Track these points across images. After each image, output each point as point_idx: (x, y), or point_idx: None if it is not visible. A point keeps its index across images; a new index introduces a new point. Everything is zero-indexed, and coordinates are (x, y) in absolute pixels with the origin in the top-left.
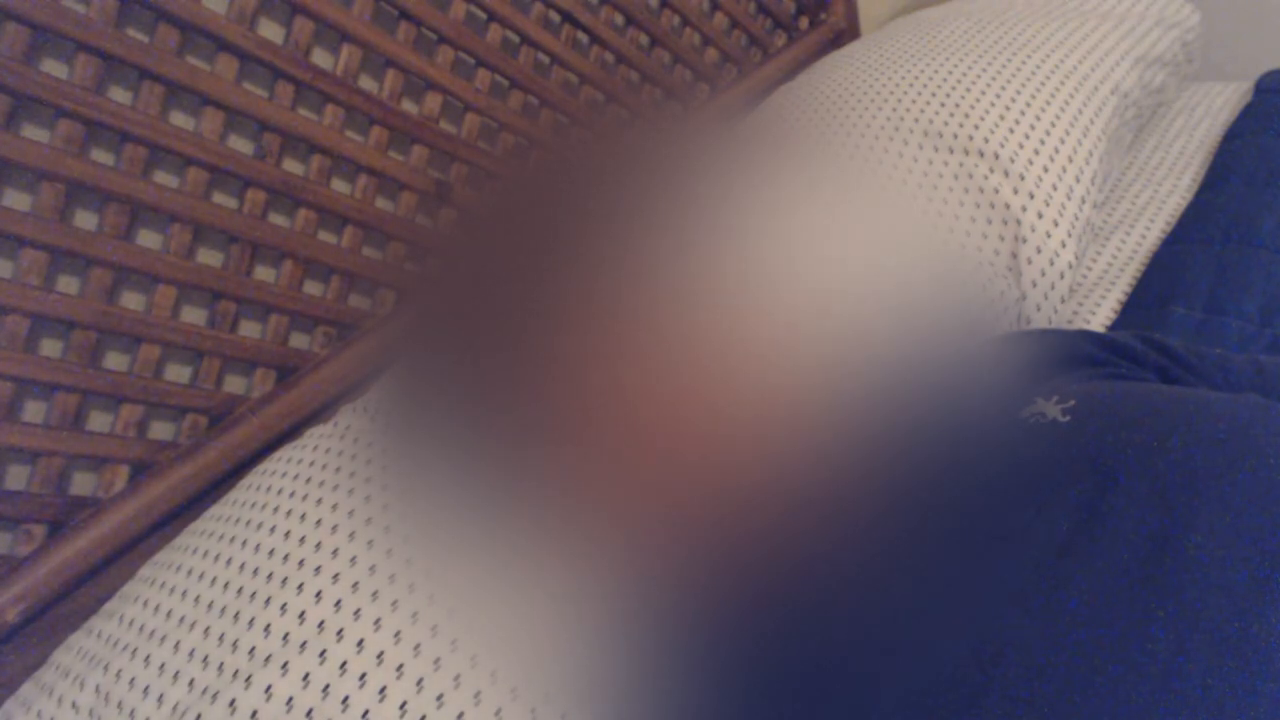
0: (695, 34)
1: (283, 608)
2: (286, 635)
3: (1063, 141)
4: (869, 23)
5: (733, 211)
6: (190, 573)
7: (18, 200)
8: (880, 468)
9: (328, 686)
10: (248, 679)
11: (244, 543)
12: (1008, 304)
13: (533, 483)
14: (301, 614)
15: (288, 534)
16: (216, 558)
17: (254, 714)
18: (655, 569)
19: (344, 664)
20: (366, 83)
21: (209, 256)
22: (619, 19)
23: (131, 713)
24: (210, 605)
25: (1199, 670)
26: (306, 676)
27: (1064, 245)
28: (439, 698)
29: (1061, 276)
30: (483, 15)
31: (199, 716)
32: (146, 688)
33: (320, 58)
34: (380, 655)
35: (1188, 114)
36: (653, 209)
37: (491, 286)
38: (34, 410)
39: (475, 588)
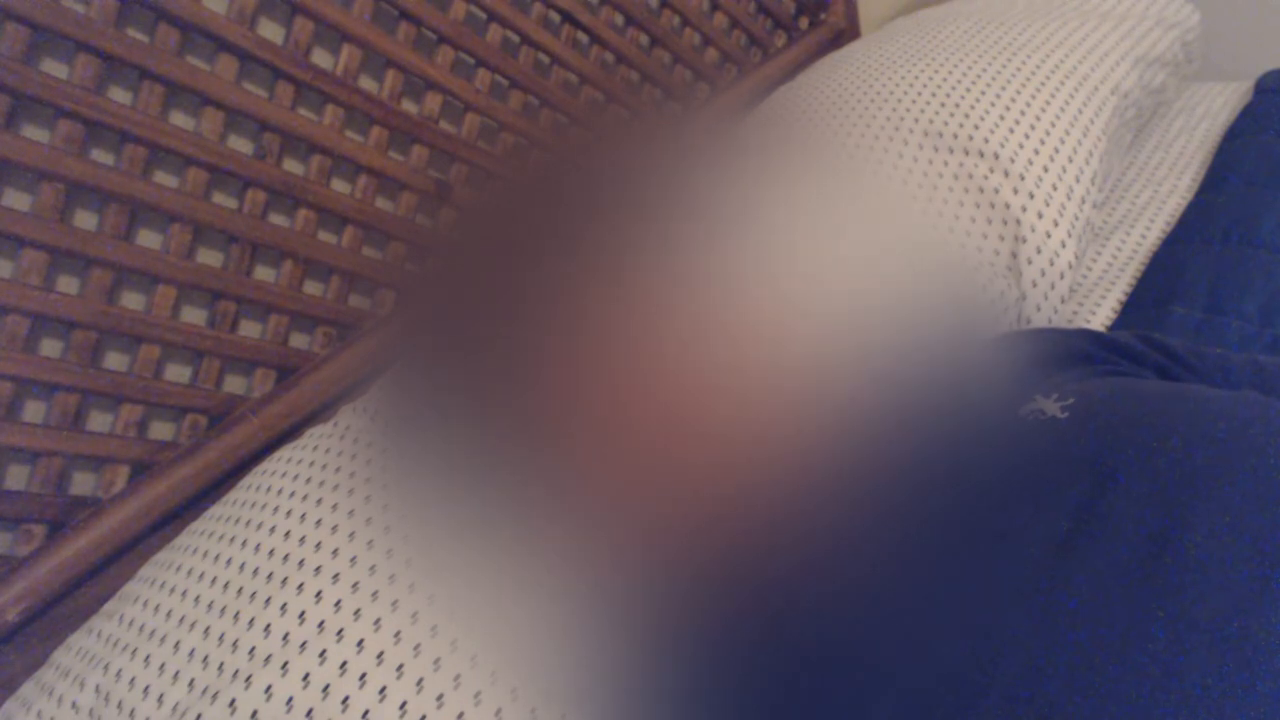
0: (695, 34)
1: (283, 608)
2: (286, 635)
3: (1063, 141)
4: (869, 23)
5: (733, 212)
6: (190, 573)
7: (18, 200)
8: (879, 466)
9: (328, 686)
10: (248, 679)
11: (244, 543)
12: (1008, 304)
13: (533, 483)
14: (301, 614)
15: (287, 534)
16: (216, 558)
17: (254, 714)
18: (655, 568)
19: (344, 664)
20: (366, 83)
21: (209, 256)
22: (619, 19)
23: (131, 713)
24: (210, 605)
25: (1199, 670)
26: (306, 676)
27: (1064, 245)
28: (439, 698)
29: (1061, 276)
30: (483, 15)
31: (199, 716)
32: (146, 688)
33: (320, 58)
34: (380, 655)
35: (1188, 114)
36: (653, 209)
37: (491, 286)
38: (34, 410)
39: (475, 588)
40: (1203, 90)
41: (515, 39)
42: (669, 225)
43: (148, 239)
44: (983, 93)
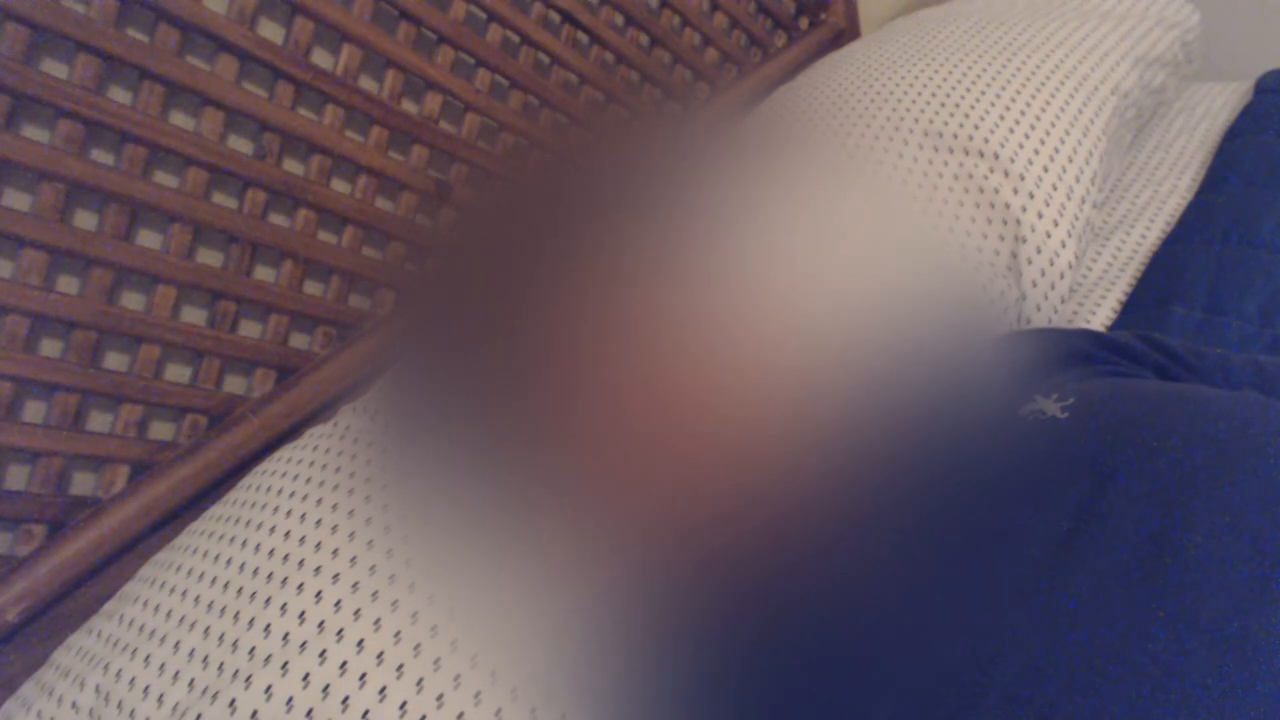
0: (695, 34)
1: (283, 608)
2: (286, 635)
3: (1063, 141)
4: (869, 23)
5: (733, 212)
6: (190, 573)
7: (18, 200)
8: (879, 465)
9: (328, 686)
10: (248, 679)
11: (244, 543)
12: (1008, 304)
13: (533, 482)
14: (301, 614)
15: (287, 534)
16: (216, 558)
17: (254, 714)
18: (655, 568)
19: (344, 664)
20: (366, 83)
21: (209, 256)
22: (619, 19)
23: (131, 713)
24: (210, 605)
25: (1199, 670)
26: (306, 676)
27: (1064, 245)
28: (439, 698)
29: (1061, 276)
30: (483, 15)
31: (199, 716)
32: (146, 688)
33: (320, 58)
34: (380, 655)
35: (1188, 114)
36: (652, 209)
37: (491, 286)
38: (34, 410)
39: (475, 588)
40: (1203, 90)
41: (515, 39)
42: (669, 225)
43: (148, 239)
44: (983, 93)
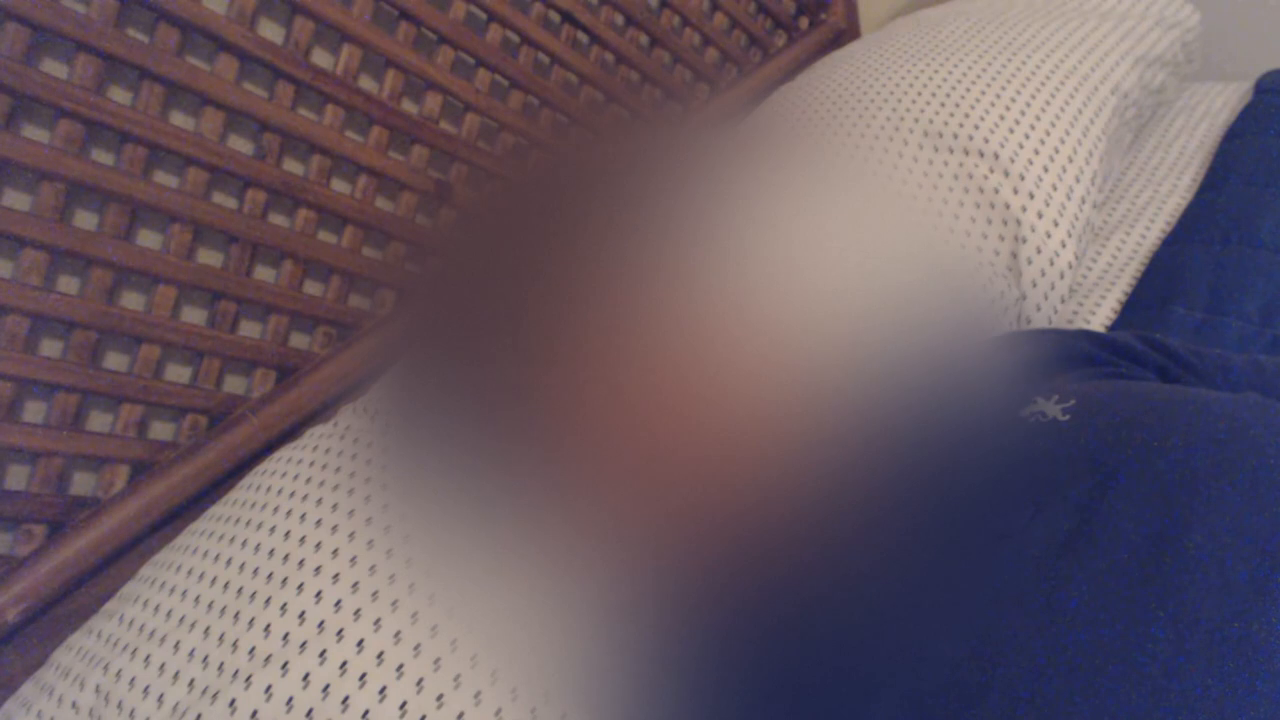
0: (695, 34)
1: (283, 608)
2: (286, 635)
3: (1063, 141)
4: (869, 23)
5: (732, 212)
6: (190, 573)
7: (18, 200)
8: (880, 466)
9: (328, 686)
10: (248, 679)
11: (244, 543)
12: (1008, 304)
13: (533, 482)
14: (301, 614)
15: (288, 534)
16: (216, 558)
17: (254, 714)
18: (655, 568)
19: (344, 664)
20: (366, 83)
21: (209, 256)
22: (619, 19)
23: (131, 713)
24: (210, 605)
25: (1199, 670)
26: (306, 677)
27: (1064, 245)
28: (439, 698)
29: (1061, 276)
30: (483, 15)
31: (199, 716)
32: (146, 688)
33: (320, 58)
34: (380, 655)
35: (1188, 114)
36: (652, 209)
37: (492, 287)
38: (34, 410)
39: (475, 588)
40: (1203, 90)
41: (515, 39)
42: (669, 226)
43: (148, 239)
44: (983, 93)
